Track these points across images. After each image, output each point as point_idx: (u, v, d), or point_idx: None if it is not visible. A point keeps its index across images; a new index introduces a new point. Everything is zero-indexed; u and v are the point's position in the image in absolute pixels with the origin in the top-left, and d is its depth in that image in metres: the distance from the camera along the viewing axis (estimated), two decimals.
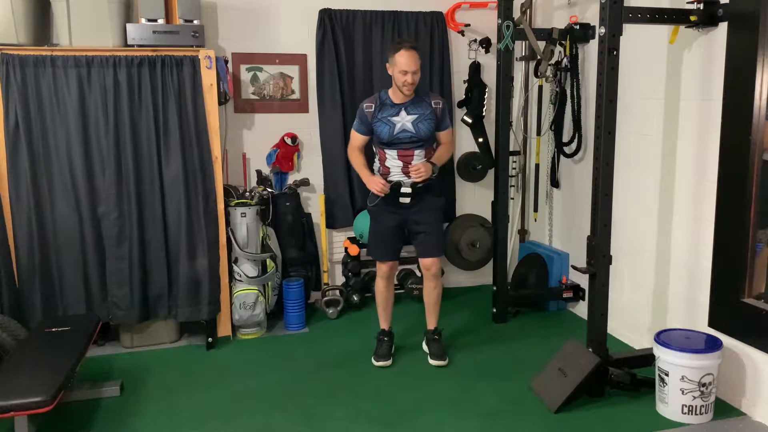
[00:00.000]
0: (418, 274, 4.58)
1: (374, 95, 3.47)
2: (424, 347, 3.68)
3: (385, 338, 3.60)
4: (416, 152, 3.36)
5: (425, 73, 4.49)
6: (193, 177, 3.66)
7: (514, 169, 4.71)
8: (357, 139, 3.47)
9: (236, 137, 4.32)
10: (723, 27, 2.91)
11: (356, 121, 3.45)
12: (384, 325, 3.64)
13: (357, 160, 3.49)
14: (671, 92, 3.31)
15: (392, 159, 3.36)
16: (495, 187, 4.11)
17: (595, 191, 2.96)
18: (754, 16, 2.72)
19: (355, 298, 4.40)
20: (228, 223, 3.85)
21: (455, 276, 4.87)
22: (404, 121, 3.33)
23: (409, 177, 3.36)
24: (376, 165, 3.48)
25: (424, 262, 3.54)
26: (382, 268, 3.56)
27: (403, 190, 3.37)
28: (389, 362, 3.52)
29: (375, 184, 3.34)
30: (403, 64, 3.20)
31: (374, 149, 3.50)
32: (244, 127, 4.35)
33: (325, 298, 4.33)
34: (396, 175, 3.38)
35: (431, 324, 3.65)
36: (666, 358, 2.87)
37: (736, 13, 2.82)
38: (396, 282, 4.65)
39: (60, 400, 2.53)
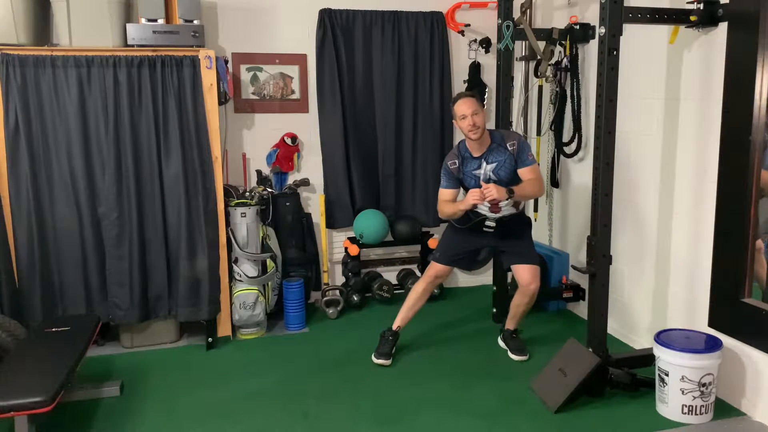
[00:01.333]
0: (418, 274, 4.58)
1: (454, 150, 3.47)
2: (501, 344, 3.73)
3: (390, 337, 3.61)
4: None
5: (426, 73, 4.50)
6: (193, 177, 3.66)
7: None
8: (446, 194, 3.46)
9: (236, 137, 4.32)
10: (723, 27, 2.91)
11: (443, 179, 3.45)
12: (397, 324, 3.64)
13: (452, 207, 3.42)
14: (671, 92, 3.31)
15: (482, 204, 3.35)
16: None
17: (595, 191, 2.96)
18: (754, 16, 2.72)
19: (355, 298, 4.40)
20: (228, 223, 3.85)
21: (455, 276, 4.87)
22: (486, 171, 3.36)
23: (494, 213, 3.41)
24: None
25: (524, 278, 3.48)
26: (430, 271, 3.60)
27: (488, 223, 3.44)
28: (389, 362, 3.53)
29: (470, 197, 3.26)
30: (460, 111, 3.27)
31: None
32: (244, 127, 4.35)
33: (325, 298, 4.33)
34: (483, 210, 3.42)
35: (511, 325, 3.69)
36: (666, 358, 2.87)
37: (736, 13, 2.82)
38: (396, 282, 4.67)
39: (60, 400, 2.52)
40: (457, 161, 3.41)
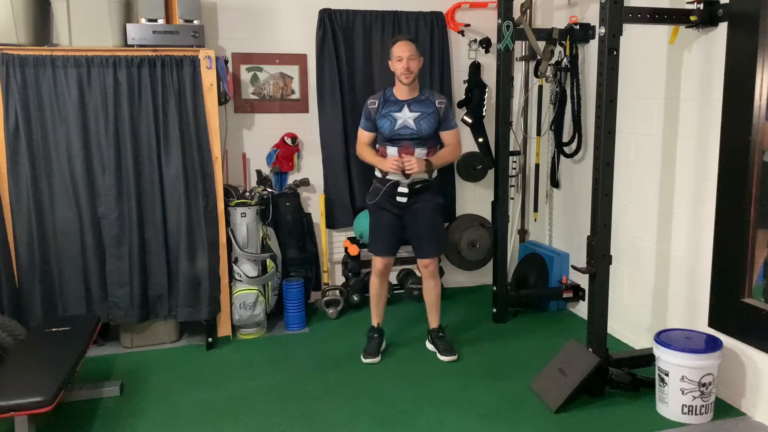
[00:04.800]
0: (418, 274, 4.58)
1: (380, 92, 3.50)
2: (429, 347, 3.69)
3: (375, 335, 3.64)
4: (417, 150, 3.38)
5: (426, 73, 4.50)
6: (193, 177, 3.66)
7: (514, 169, 4.71)
8: (363, 136, 3.52)
9: (236, 137, 4.32)
10: (723, 27, 2.91)
11: (362, 119, 3.51)
12: (375, 321, 3.68)
13: (367, 153, 3.52)
14: (671, 92, 3.31)
15: (393, 156, 3.38)
16: (495, 187, 4.11)
17: (595, 191, 2.96)
18: (754, 16, 2.72)
19: (355, 298, 4.40)
20: (228, 223, 3.85)
21: (455, 276, 4.87)
22: (406, 117, 3.37)
23: (407, 177, 3.37)
24: None
25: (422, 261, 3.58)
26: (376, 264, 3.61)
27: (400, 189, 3.39)
28: (377, 359, 3.56)
29: (389, 163, 3.33)
30: (398, 52, 3.32)
31: (377, 147, 3.52)
32: (244, 127, 4.35)
33: (325, 298, 4.33)
34: (395, 174, 3.40)
35: (434, 322, 3.66)
36: (666, 358, 2.88)
37: (736, 13, 2.82)
38: (396, 282, 4.67)
39: (60, 400, 2.52)
40: (377, 102, 3.44)
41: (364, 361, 3.54)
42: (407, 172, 3.31)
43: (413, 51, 3.33)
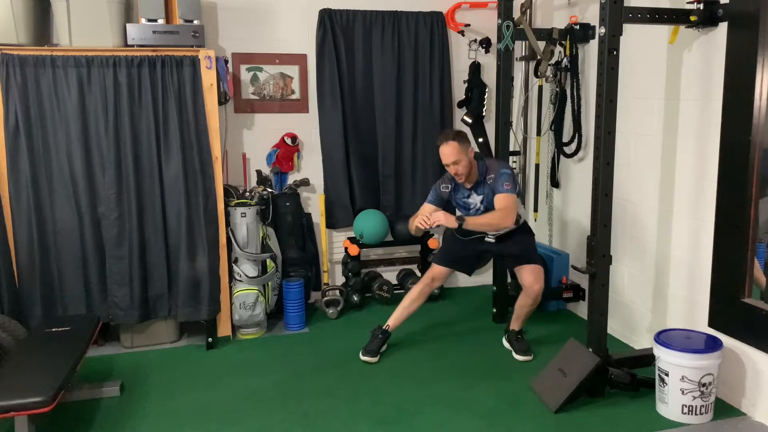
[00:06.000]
0: (418, 274, 4.58)
1: (448, 175, 3.53)
2: (506, 345, 3.73)
3: (380, 335, 3.63)
4: None
5: (426, 73, 4.50)
6: (193, 177, 3.66)
7: (514, 169, 4.71)
8: (428, 209, 3.52)
9: (236, 137, 4.32)
10: (723, 27, 2.91)
11: (430, 196, 3.60)
12: (390, 323, 3.66)
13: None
14: (671, 92, 3.31)
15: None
16: None
17: (595, 191, 2.96)
18: (754, 16, 2.72)
19: (355, 298, 4.40)
20: (228, 223, 3.85)
21: (455, 276, 4.86)
22: (476, 201, 3.51)
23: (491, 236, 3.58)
24: None
25: (527, 278, 3.54)
26: (428, 272, 3.68)
27: (488, 239, 3.60)
28: (376, 359, 3.56)
29: (419, 219, 3.35)
30: (443, 158, 3.40)
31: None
32: (244, 127, 4.35)
33: (325, 298, 4.33)
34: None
35: (515, 326, 3.70)
36: (666, 358, 2.87)
37: (736, 13, 2.82)
38: (396, 282, 4.67)
39: (60, 400, 2.52)
40: (450, 186, 3.56)
41: (362, 358, 3.55)
42: (433, 225, 3.32)
43: (457, 155, 3.34)
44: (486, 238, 3.60)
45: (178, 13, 3.60)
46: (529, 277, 3.51)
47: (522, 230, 3.63)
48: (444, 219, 3.32)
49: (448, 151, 3.37)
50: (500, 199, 3.38)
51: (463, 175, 3.41)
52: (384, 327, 3.65)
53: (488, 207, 3.47)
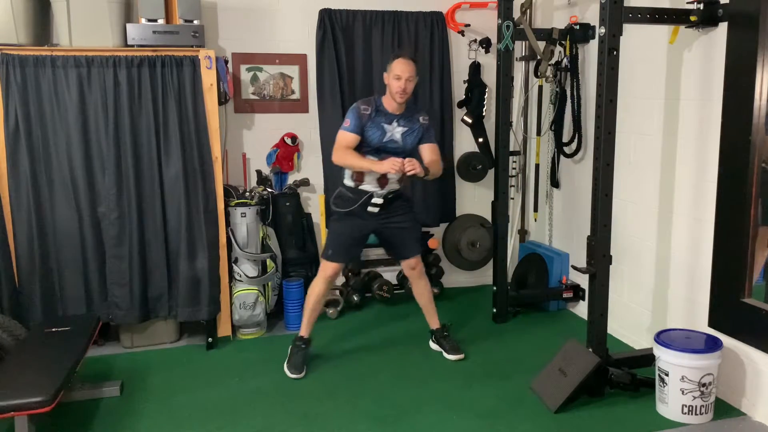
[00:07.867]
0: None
1: (370, 98, 3.44)
2: (434, 347, 3.68)
3: (303, 346, 3.49)
4: None
5: (426, 73, 4.50)
6: (193, 177, 3.66)
7: (514, 169, 4.71)
8: (349, 139, 3.30)
9: (236, 137, 4.32)
10: (723, 27, 2.91)
11: (350, 122, 3.32)
12: (305, 331, 3.52)
13: (354, 157, 3.30)
14: (671, 92, 3.31)
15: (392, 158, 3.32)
16: (495, 187, 4.10)
17: (595, 191, 2.96)
18: (754, 16, 2.72)
19: (355, 298, 4.40)
20: (228, 223, 3.85)
21: (455, 276, 4.87)
22: (394, 131, 3.36)
23: (381, 188, 3.36)
24: (349, 172, 3.41)
25: (408, 262, 3.55)
26: (327, 270, 3.46)
27: (374, 200, 3.37)
28: (302, 374, 3.38)
29: (389, 164, 3.18)
30: (397, 70, 3.26)
31: None
32: (244, 127, 4.35)
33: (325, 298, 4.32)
34: (369, 184, 3.37)
35: (435, 323, 3.65)
36: (666, 358, 2.88)
37: (736, 13, 2.82)
38: (396, 282, 4.67)
39: (60, 400, 2.52)
40: (370, 109, 3.33)
41: (291, 376, 3.37)
42: (409, 173, 3.18)
43: (412, 72, 3.27)
44: (371, 204, 3.36)
45: (178, 13, 3.60)
46: (410, 260, 3.53)
47: (404, 199, 3.52)
48: (418, 165, 3.19)
49: (408, 67, 3.25)
50: (435, 149, 3.43)
51: (407, 96, 3.28)
52: (304, 336, 3.51)
53: (408, 142, 3.35)
